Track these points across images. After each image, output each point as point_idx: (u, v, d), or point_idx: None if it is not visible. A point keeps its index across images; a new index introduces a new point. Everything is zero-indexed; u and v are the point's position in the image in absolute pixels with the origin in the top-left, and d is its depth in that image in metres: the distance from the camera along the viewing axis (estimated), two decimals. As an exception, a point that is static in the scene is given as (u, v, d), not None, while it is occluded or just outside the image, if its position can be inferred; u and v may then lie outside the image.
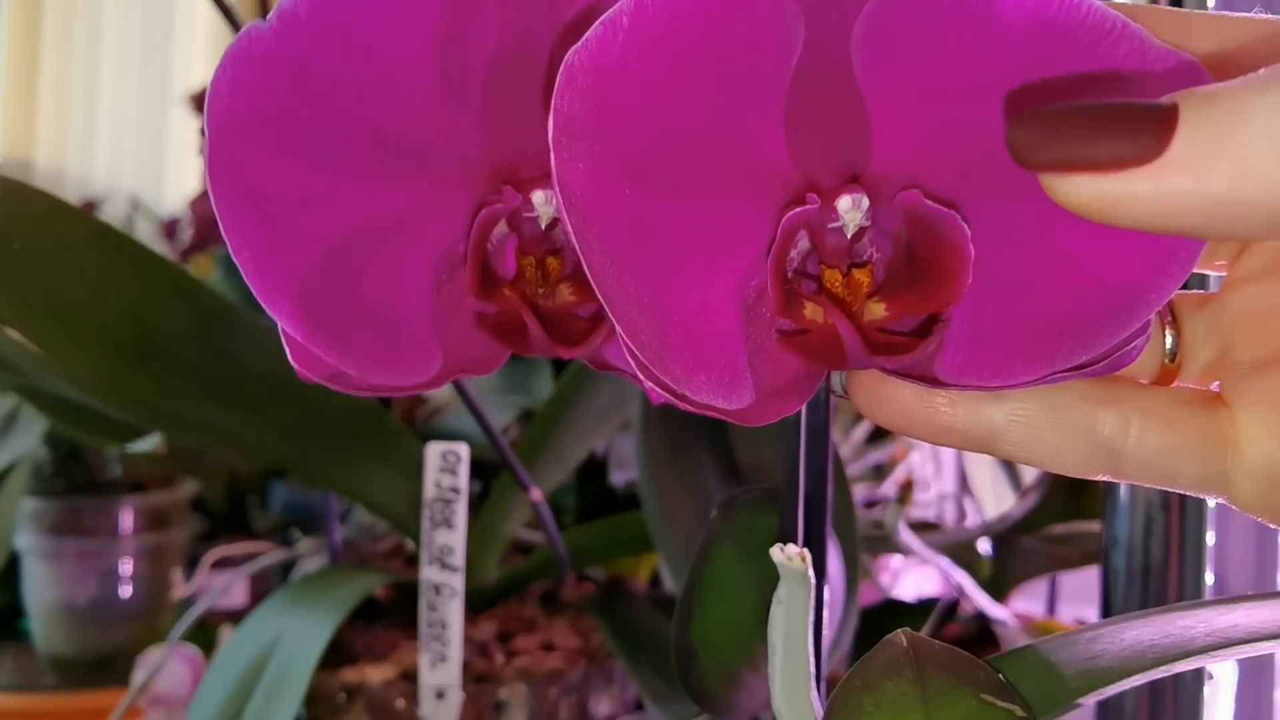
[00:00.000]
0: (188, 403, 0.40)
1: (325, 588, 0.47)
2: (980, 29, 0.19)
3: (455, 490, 0.40)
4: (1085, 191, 0.16)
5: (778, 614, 0.27)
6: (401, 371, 0.23)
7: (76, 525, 0.82)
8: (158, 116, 1.65)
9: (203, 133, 0.20)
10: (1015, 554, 0.63)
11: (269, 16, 0.21)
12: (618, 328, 0.19)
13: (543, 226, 0.24)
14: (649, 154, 0.20)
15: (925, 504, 0.76)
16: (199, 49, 1.71)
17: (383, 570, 0.54)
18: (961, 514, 0.77)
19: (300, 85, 0.21)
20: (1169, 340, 0.23)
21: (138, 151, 1.64)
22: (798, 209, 0.20)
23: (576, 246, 0.19)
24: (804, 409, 0.30)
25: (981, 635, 0.61)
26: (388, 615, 0.54)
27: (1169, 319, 0.23)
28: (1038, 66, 0.19)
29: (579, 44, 0.19)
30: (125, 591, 0.84)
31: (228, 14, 0.52)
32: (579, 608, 0.55)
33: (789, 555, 0.26)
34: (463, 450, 0.41)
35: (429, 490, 0.40)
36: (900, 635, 0.24)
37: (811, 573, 0.26)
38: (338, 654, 0.49)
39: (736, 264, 0.21)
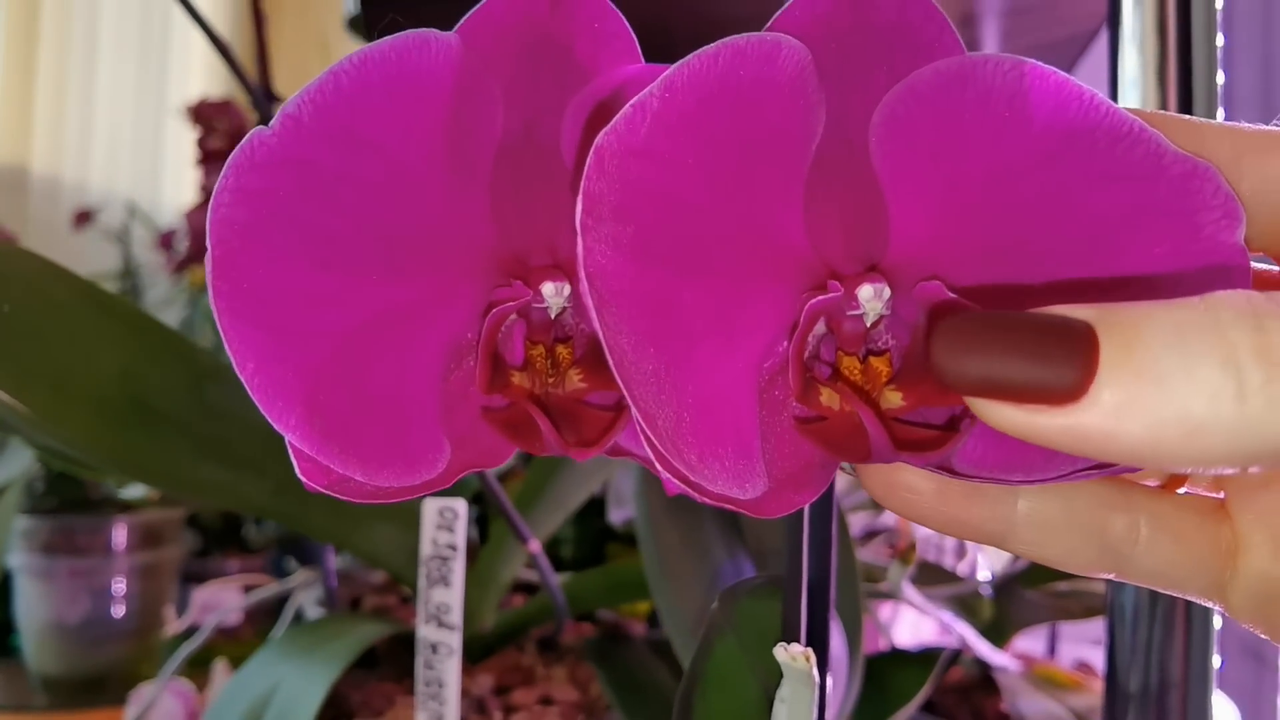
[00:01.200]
0: (181, 461, 0.40)
1: (322, 638, 0.47)
2: (1001, 125, 0.19)
3: (452, 548, 0.40)
4: (1007, 420, 0.16)
5: (781, 711, 0.27)
6: (410, 470, 0.23)
7: (69, 544, 0.82)
8: (154, 124, 1.64)
9: (206, 238, 0.20)
10: (1017, 604, 0.63)
11: (272, 122, 0.20)
12: (634, 410, 0.19)
13: (552, 316, 0.23)
14: (672, 234, 0.20)
15: (924, 539, 0.75)
16: (196, 57, 1.70)
17: (379, 619, 0.53)
18: (961, 549, 0.76)
19: (305, 187, 0.21)
20: None
21: (134, 159, 1.63)
22: (821, 296, 0.20)
23: (596, 324, 0.19)
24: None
25: (983, 680, 0.61)
26: (383, 664, 0.53)
27: None
28: (1057, 163, 0.19)
29: (609, 126, 0.18)
30: (118, 610, 0.84)
31: (222, 50, 0.51)
32: (577, 654, 0.54)
33: (793, 654, 0.26)
34: (460, 507, 0.41)
35: (425, 548, 0.39)
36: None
37: (815, 671, 0.26)
38: (333, 708, 0.48)
39: (753, 346, 0.21)
